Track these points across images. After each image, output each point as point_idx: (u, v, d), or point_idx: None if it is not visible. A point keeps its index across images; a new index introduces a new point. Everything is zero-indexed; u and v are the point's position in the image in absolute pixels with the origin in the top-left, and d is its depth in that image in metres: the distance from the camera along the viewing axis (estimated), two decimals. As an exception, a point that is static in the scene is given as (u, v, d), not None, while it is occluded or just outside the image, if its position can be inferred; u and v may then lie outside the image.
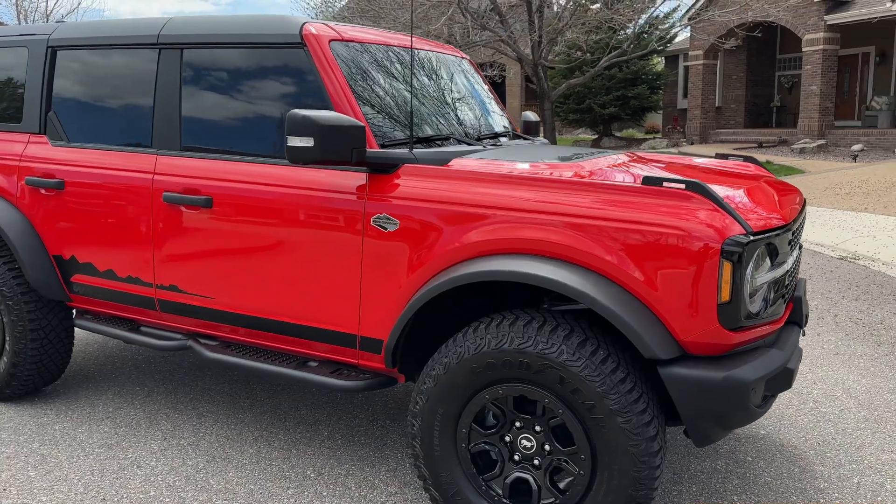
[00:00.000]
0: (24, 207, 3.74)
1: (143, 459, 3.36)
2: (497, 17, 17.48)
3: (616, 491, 2.41)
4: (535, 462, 2.58)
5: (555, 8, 19.05)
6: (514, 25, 17.98)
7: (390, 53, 3.37)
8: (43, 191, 3.67)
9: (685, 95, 26.02)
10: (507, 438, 2.62)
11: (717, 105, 24.39)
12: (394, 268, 2.81)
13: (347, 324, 2.96)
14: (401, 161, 2.85)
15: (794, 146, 19.32)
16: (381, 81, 3.22)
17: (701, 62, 23.18)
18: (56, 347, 3.88)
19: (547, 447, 2.55)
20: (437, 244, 2.71)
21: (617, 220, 2.40)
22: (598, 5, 18.02)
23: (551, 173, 2.70)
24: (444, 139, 3.27)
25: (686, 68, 25.50)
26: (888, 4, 17.18)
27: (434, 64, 3.66)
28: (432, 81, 3.58)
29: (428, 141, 3.16)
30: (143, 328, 3.57)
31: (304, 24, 3.07)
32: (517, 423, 2.59)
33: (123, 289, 3.50)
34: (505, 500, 2.61)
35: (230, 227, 3.14)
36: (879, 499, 3.09)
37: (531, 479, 2.58)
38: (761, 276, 2.41)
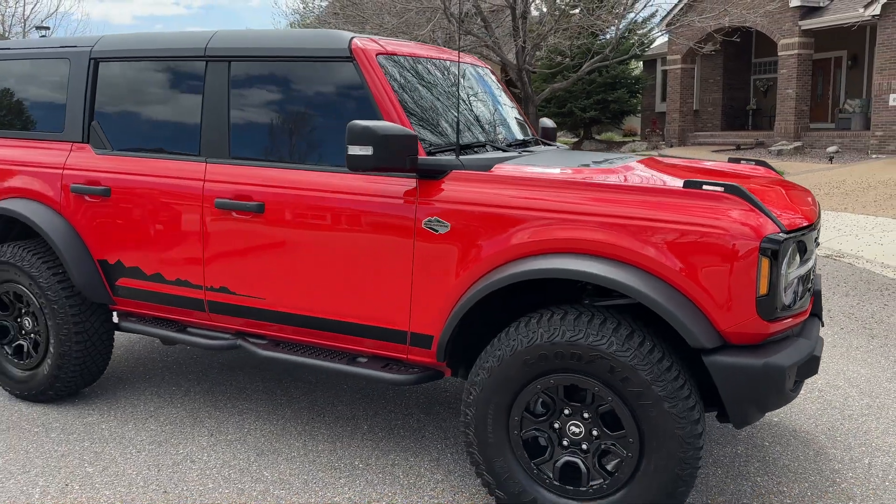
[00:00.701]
0: (68, 214, 3.86)
1: (195, 454, 3.50)
2: (481, 23, 17.74)
3: (663, 471, 2.62)
4: (583, 447, 2.78)
5: (534, 12, 19.38)
6: (496, 30, 18.24)
7: (424, 65, 3.55)
8: (87, 197, 3.79)
9: (663, 99, 26.49)
10: (556, 425, 2.82)
11: (694, 108, 24.87)
12: (444, 267, 2.99)
13: (398, 321, 3.13)
14: (449, 167, 3.04)
15: (772, 148, 19.80)
16: (421, 91, 3.41)
17: (679, 66, 23.64)
18: (98, 349, 4.00)
19: (595, 432, 2.75)
20: (486, 245, 2.89)
21: (663, 221, 2.61)
22: (577, 10, 18.39)
23: (594, 177, 2.90)
24: (481, 146, 3.46)
25: (664, 72, 25.97)
26: (860, 10, 17.70)
27: (464, 74, 3.85)
28: (465, 91, 3.76)
29: (467, 148, 3.35)
30: (189, 329, 3.72)
31: (352, 38, 3.25)
32: (566, 411, 2.79)
33: (172, 291, 3.64)
34: (556, 483, 2.81)
35: (282, 231, 3.30)
36: (890, 477, 3.33)
37: (580, 463, 2.78)
38: (793, 271, 2.64)
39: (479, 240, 2.91)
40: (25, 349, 4.09)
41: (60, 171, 3.88)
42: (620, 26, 17.91)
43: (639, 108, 26.79)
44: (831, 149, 18.55)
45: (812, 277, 2.95)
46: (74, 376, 3.97)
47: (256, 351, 3.45)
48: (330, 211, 3.20)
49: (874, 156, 17.70)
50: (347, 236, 3.17)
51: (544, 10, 19.10)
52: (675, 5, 21.88)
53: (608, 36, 19.48)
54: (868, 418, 3.97)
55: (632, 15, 18.26)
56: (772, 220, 2.56)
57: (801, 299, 2.75)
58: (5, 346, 4.15)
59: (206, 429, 3.78)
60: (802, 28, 19.61)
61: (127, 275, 3.76)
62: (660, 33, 21.98)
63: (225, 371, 4.60)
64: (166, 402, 4.12)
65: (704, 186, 2.64)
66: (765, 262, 2.51)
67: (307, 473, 3.33)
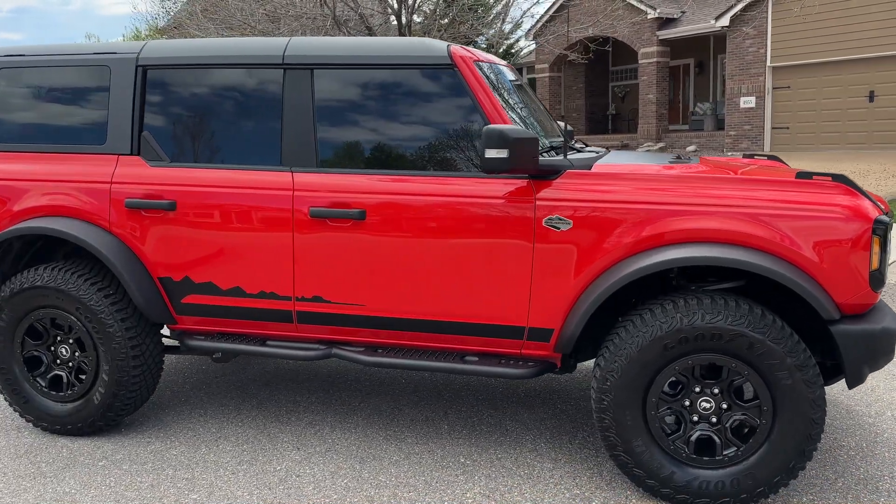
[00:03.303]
0: (120, 231, 3.63)
1: (296, 469, 3.42)
2: (365, 29, 17.78)
3: (795, 433, 2.92)
4: (713, 420, 3.04)
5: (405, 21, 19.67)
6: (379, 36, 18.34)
7: (501, 71, 3.69)
8: (144, 212, 3.59)
9: (530, 105, 27.66)
10: (686, 402, 3.06)
11: (561, 114, 26.20)
12: (566, 262, 3.15)
13: (515, 317, 3.25)
14: (563, 167, 3.21)
15: (639, 149, 21.29)
16: (509, 96, 3.55)
17: (547, 75, 24.85)
18: (152, 372, 3.79)
19: (724, 405, 3.02)
20: (609, 239, 3.09)
21: (786, 209, 2.92)
22: (447, 20, 18.89)
23: (707, 172, 3.18)
24: (557, 147, 3.65)
25: (531, 80, 27.14)
26: (711, 22, 19.48)
27: (513, 79, 4.02)
28: (522, 95, 3.93)
29: (554, 149, 3.53)
30: (269, 342, 3.62)
31: (449, 46, 3.33)
32: (696, 388, 3.03)
33: (254, 304, 3.52)
34: (693, 455, 3.04)
35: (387, 237, 3.31)
36: (919, 425, 3.86)
37: (713, 435, 3.04)
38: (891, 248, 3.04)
39: (602, 235, 3.10)
40: (65, 380, 3.78)
41: (108, 185, 3.64)
42: (505, 30, 18.59)
43: (508, 114, 27.80)
44: (691, 148, 20.25)
45: (880, 255, 3.39)
46: (129, 403, 3.74)
47: (358, 357, 3.43)
48: (441, 215, 3.25)
49: (729, 153, 19.51)
50: (460, 239, 3.24)
51: (417, 20, 19.45)
52: (542, 17, 23.02)
53: (480, 45, 20.15)
54: (870, 378, 4.53)
55: (509, 26, 18.97)
56: (875, 204, 2.95)
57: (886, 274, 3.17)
58: (38, 380, 3.82)
59: (287, 444, 3.68)
60: (660, 38, 21.27)
61: (197, 291, 3.59)
62: (536, 44, 22.99)
63: (263, 387, 4.47)
64: (226, 422, 3.95)
65: (814, 177, 2.99)
66: (876, 241, 2.89)
67: (422, 475, 3.36)
